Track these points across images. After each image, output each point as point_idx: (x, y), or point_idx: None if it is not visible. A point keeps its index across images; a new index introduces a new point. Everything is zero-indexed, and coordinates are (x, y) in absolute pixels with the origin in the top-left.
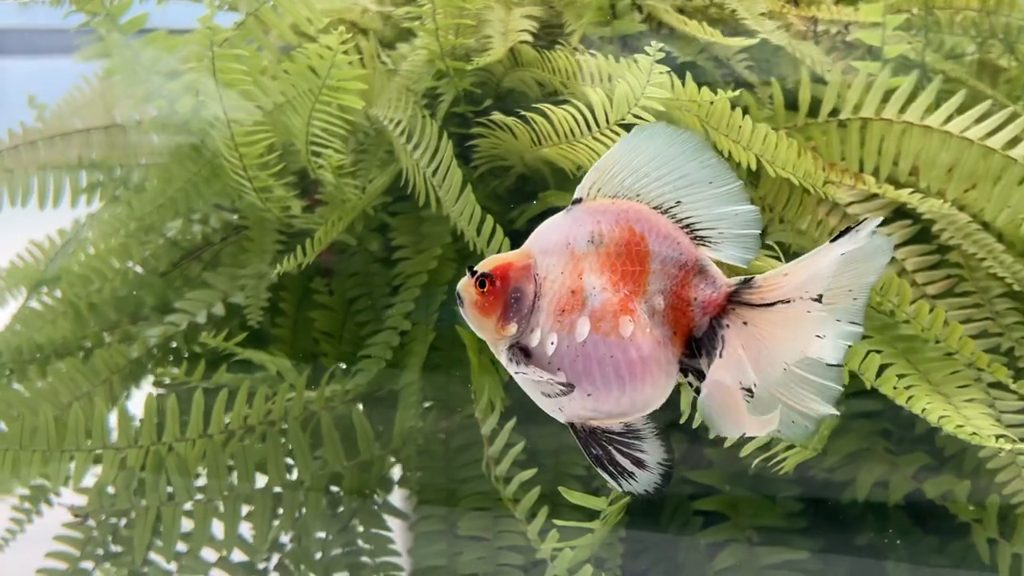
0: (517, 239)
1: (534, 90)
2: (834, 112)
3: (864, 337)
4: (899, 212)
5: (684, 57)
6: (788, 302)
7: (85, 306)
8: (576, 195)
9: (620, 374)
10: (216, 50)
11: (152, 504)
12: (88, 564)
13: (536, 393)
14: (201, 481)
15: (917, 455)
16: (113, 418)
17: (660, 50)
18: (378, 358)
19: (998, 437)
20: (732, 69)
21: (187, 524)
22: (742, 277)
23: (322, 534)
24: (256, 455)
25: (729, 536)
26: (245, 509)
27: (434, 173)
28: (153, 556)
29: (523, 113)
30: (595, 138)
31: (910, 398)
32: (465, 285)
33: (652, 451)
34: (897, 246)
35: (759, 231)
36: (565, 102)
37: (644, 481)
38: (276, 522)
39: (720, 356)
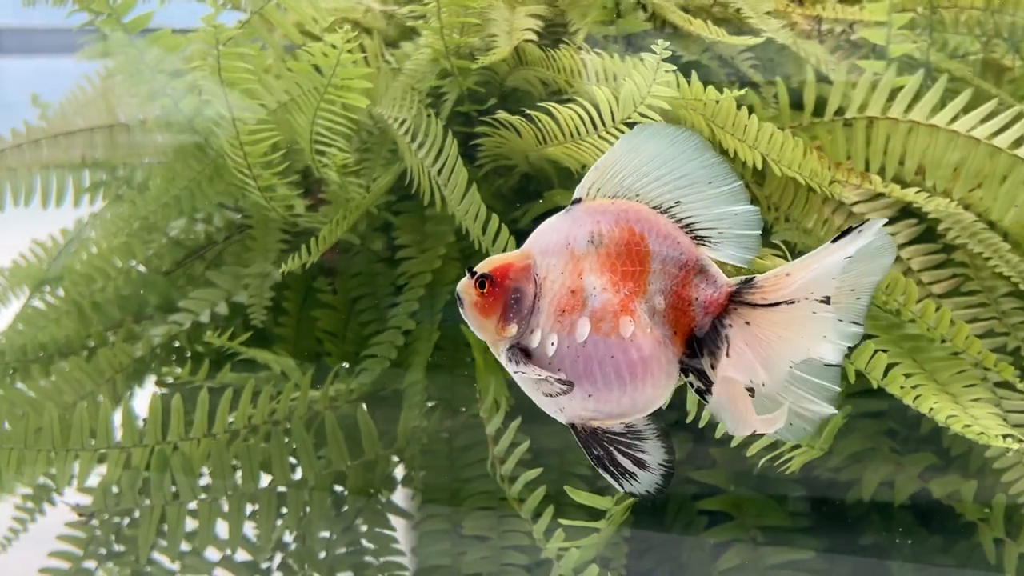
0: (521, 238)
1: (538, 89)
2: (839, 111)
3: (870, 336)
4: (905, 211)
5: (689, 56)
6: (793, 303)
7: (88, 305)
8: (575, 195)
9: (621, 374)
10: (221, 49)
11: (157, 503)
12: (91, 563)
13: (537, 393)
14: (204, 480)
15: (923, 455)
16: (116, 417)
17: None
18: (382, 357)
19: (1005, 436)
20: (736, 68)
21: (190, 524)
22: (743, 277)
23: (326, 533)
24: (260, 454)
25: (733, 536)
26: (249, 508)
27: (439, 172)
28: (156, 555)
29: (528, 112)
30: (601, 137)
31: (917, 397)
32: (465, 286)
33: (653, 452)
34: (903, 245)
35: (759, 231)
36: (570, 101)
37: (645, 482)
38: (279, 521)
39: (728, 356)
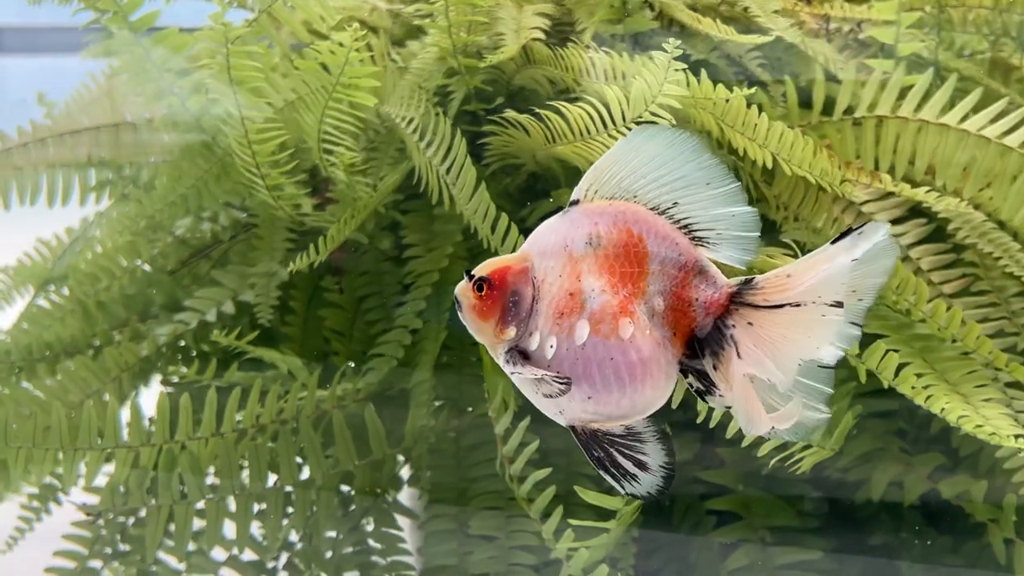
0: None
1: (545, 88)
2: (849, 110)
3: (881, 336)
4: (914, 211)
5: (697, 55)
6: (799, 305)
7: (93, 304)
8: (573, 197)
9: (620, 376)
10: (230, 47)
11: (164, 503)
12: (96, 563)
13: (536, 395)
14: (209, 480)
15: (932, 455)
16: (123, 416)
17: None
18: (390, 356)
19: (1017, 437)
20: (745, 67)
21: (196, 523)
22: (743, 277)
23: (332, 533)
24: (268, 454)
25: (742, 536)
26: (255, 508)
27: (448, 171)
28: (161, 555)
29: (537, 111)
30: (611, 136)
31: (929, 398)
32: (463, 289)
33: (654, 453)
34: (912, 245)
35: (758, 233)
36: (577, 100)
37: (647, 483)
38: (286, 521)
39: (739, 356)
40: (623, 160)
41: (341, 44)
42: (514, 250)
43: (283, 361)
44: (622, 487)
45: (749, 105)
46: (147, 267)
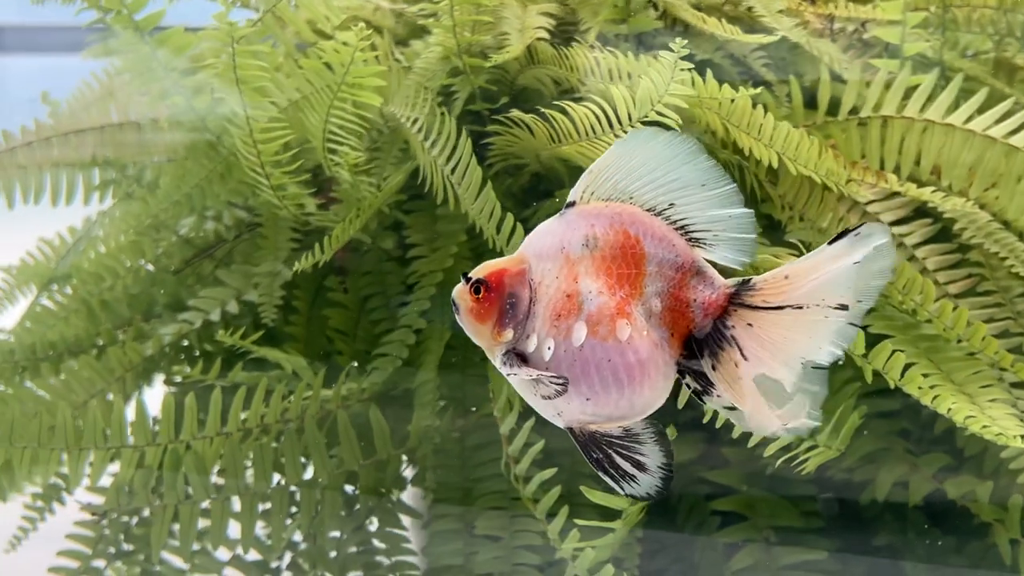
0: None
1: (549, 88)
2: (854, 110)
3: (887, 337)
4: (920, 211)
5: (701, 55)
6: (800, 308)
7: (97, 304)
8: (569, 199)
9: (618, 377)
10: (234, 47)
11: (170, 502)
12: (100, 563)
13: (535, 397)
14: (214, 479)
15: (937, 455)
16: (129, 416)
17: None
18: (394, 356)
19: (1023, 437)
20: (749, 67)
21: (201, 522)
22: (740, 279)
23: (337, 533)
24: (272, 454)
25: (746, 536)
26: (260, 508)
27: (452, 171)
28: (165, 555)
29: (543, 110)
30: (617, 136)
31: (935, 398)
32: (460, 292)
33: (652, 454)
34: (918, 245)
35: (755, 234)
36: (582, 100)
37: (645, 484)
38: (290, 521)
39: (745, 358)
40: (619, 162)
41: (346, 44)
42: None
43: (287, 361)
44: (621, 488)
45: (754, 105)
46: (151, 266)
